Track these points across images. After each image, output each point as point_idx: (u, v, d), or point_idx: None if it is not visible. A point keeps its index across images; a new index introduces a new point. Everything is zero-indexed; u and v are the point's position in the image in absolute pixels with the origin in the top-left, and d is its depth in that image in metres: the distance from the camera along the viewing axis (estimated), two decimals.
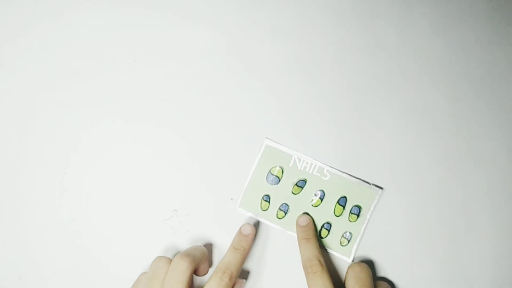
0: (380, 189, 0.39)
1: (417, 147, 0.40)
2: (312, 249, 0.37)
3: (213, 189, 0.40)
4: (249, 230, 0.38)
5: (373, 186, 0.39)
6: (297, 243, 0.38)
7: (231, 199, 0.40)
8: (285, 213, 0.40)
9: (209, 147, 0.40)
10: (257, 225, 0.40)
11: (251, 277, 0.39)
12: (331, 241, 0.39)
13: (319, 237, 0.39)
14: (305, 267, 0.36)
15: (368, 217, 0.39)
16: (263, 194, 0.40)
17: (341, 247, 0.39)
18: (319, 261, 0.36)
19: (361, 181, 0.39)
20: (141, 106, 0.41)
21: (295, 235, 0.39)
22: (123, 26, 0.41)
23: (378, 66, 0.41)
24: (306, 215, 0.39)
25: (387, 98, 0.41)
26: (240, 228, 0.38)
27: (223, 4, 0.41)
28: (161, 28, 0.41)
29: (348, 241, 0.39)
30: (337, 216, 0.39)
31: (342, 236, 0.39)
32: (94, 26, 0.41)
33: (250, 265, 0.40)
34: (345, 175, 0.39)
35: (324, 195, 0.39)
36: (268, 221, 0.40)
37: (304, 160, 0.40)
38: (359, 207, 0.39)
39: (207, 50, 0.41)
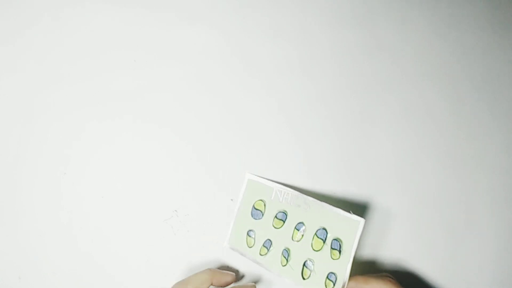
0: (362, 219, 0.33)
1: (417, 148, 0.39)
2: None
3: (213, 189, 0.40)
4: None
5: (354, 216, 0.34)
6: None
7: (231, 199, 0.40)
8: (268, 250, 0.37)
9: (209, 147, 0.41)
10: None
11: None
12: (315, 282, 0.34)
13: (301, 278, 0.35)
14: None
15: (352, 253, 0.33)
16: (248, 229, 0.39)
17: None
18: None
19: (341, 210, 0.34)
20: (141, 106, 0.41)
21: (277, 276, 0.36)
22: (123, 26, 0.42)
23: (378, 67, 0.40)
24: None
25: (386, 99, 0.40)
26: None
27: (223, 4, 0.42)
28: (161, 28, 0.42)
29: (334, 284, 0.33)
30: (316, 251, 0.35)
31: (327, 278, 0.34)
32: (95, 26, 0.42)
33: None
34: (325, 204, 0.35)
35: (304, 228, 0.36)
36: (253, 259, 0.38)
37: (285, 192, 0.38)
38: (339, 241, 0.34)
39: (207, 50, 0.42)
